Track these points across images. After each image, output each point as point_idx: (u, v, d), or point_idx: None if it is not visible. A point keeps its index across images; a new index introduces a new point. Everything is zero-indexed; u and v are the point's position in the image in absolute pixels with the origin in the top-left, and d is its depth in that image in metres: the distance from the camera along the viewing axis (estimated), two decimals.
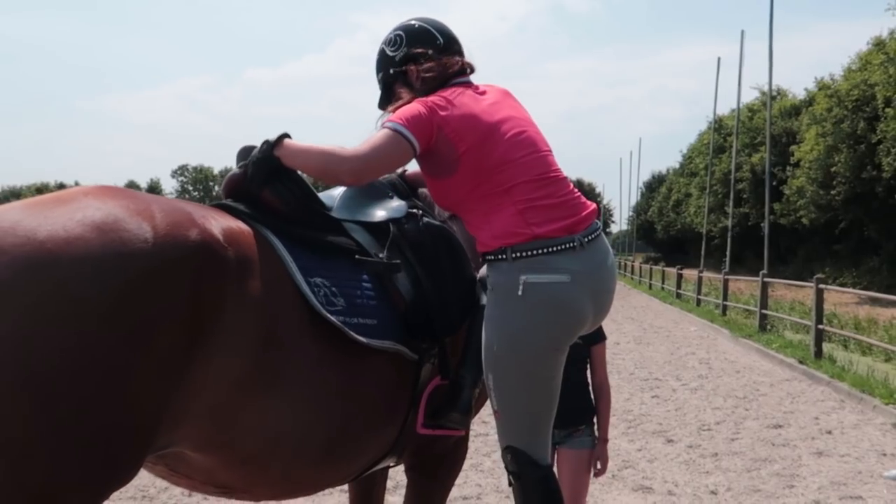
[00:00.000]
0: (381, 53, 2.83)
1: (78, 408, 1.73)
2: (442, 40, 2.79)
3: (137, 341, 1.80)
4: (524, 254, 2.50)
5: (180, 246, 1.93)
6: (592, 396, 3.53)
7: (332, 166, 2.43)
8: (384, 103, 2.84)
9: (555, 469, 3.43)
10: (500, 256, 2.53)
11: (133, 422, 1.82)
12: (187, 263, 1.93)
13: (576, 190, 2.68)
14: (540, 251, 2.50)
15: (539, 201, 2.55)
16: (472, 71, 2.81)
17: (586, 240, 2.56)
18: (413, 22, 2.82)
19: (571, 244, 2.52)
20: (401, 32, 2.79)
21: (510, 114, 2.68)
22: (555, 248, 2.50)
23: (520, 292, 2.49)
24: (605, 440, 3.49)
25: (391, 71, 2.79)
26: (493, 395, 2.58)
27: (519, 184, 2.55)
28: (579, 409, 3.46)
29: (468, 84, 2.75)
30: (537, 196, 2.55)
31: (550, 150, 2.72)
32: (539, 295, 2.49)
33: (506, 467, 2.67)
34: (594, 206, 2.70)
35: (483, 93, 2.72)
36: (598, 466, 3.48)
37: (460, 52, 2.83)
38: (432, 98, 2.59)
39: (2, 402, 1.66)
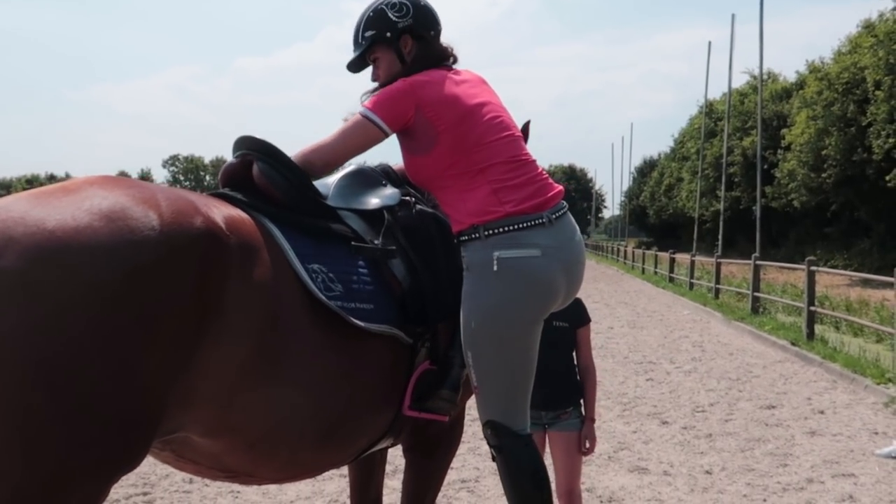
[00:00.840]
0: (381, 13, 2.78)
1: (90, 393, 1.76)
2: (440, 27, 2.87)
3: (147, 327, 1.84)
4: (496, 231, 2.60)
5: (186, 233, 1.96)
6: (578, 378, 3.58)
7: (307, 160, 2.60)
8: (357, 65, 2.87)
9: (547, 451, 3.50)
10: (473, 235, 2.63)
11: (143, 406, 1.86)
12: (193, 250, 1.96)
13: (544, 172, 2.78)
14: (511, 227, 2.60)
15: (511, 181, 2.65)
16: (456, 61, 2.89)
17: (554, 216, 2.66)
18: None
19: (540, 220, 2.62)
20: (408, 2, 2.80)
21: (487, 98, 2.77)
22: (525, 225, 2.60)
23: (494, 268, 2.58)
24: (592, 419, 3.55)
25: (388, 34, 2.78)
26: (472, 371, 2.66)
27: (494, 164, 2.64)
28: (566, 391, 3.51)
29: (449, 68, 2.82)
30: (510, 176, 2.65)
31: (520, 135, 2.82)
32: (512, 270, 2.58)
33: (487, 442, 2.74)
34: (561, 187, 2.80)
35: (461, 77, 2.80)
36: (587, 446, 3.53)
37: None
38: (413, 78, 2.67)
39: (16, 388, 1.70)
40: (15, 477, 1.72)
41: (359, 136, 2.64)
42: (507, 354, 2.62)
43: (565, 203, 2.77)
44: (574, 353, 3.59)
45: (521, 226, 2.60)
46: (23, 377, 1.70)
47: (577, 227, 2.81)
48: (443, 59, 2.83)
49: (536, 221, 2.62)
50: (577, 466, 3.57)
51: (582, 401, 3.56)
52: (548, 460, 3.56)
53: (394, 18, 2.78)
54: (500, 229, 2.59)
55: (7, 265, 1.72)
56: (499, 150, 2.67)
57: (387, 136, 2.66)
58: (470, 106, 2.68)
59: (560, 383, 3.45)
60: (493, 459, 2.74)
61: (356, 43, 2.84)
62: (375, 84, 2.85)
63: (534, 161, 2.77)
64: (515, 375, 2.66)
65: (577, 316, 3.49)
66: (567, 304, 2.83)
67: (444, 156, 2.65)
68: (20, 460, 1.71)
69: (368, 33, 2.80)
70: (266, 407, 2.18)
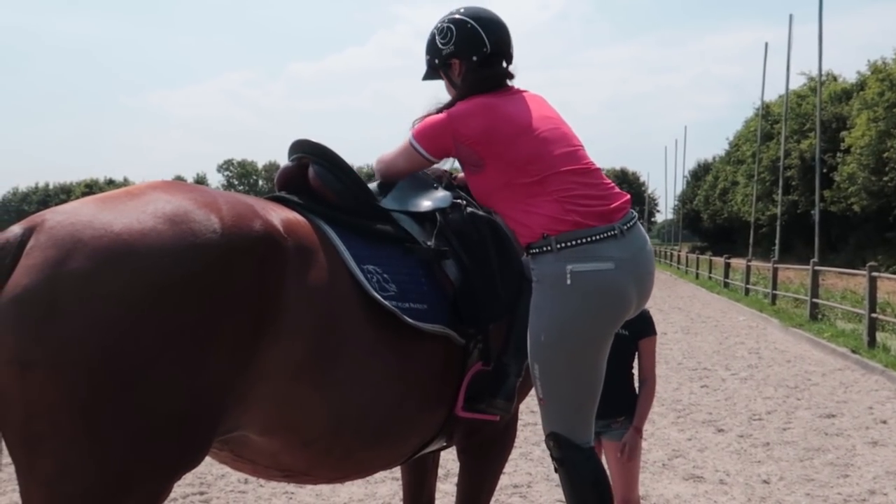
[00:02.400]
0: (432, 40, 2.88)
1: (155, 390, 1.81)
2: (489, 48, 2.80)
3: (210, 326, 1.88)
4: (568, 244, 2.57)
5: (246, 236, 2.01)
6: (637, 387, 3.53)
7: (379, 166, 2.85)
8: (429, 77, 2.99)
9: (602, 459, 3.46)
10: (545, 248, 2.60)
11: (204, 404, 1.90)
12: (252, 252, 2.01)
13: (609, 180, 2.75)
14: (583, 240, 2.57)
15: (576, 190, 2.63)
16: (512, 78, 2.88)
17: (625, 227, 2.64)
18: (466, 20, 2.80)
19: (612, 232, 2.60)
20: (452, 27, 2.81)
21: (544, 113, 2.77)
22: (597, 237, 2.58)
23: (568, 282, 2.55)
24: (638, 430, 3.47)
25: (436, 61, 2.88)
26: (538, 383, 2.64)
27: (553, 174, 2.63)
28: (620, 400, 3.45)
29: (504, 90, 2.82)
30: (573, 185, 2.64)
31: (582, 146, 2.80)
32: (586, 283, 2.56)
33: (550, 454, 2.72)
34: (628, 195, 2.78)
35: (514, 97, 2.79)
36: (625, 451, 3.44)
37: (508, 56, 2.87)
38: (452, 111, 2.70)
39: (84, 388, 1.75)
40: (84, 474, 1.77)
41: (406, 161, 2.79)
42: (576, 368, 2.61)
43: (634, 212, 2.75)
44: (632, 364, 3.54)
45: (593, 238, 2.58)
46: (90, 376, 1.75)
47: (647, 237, 2.78)
48: (496, 79, 2.81)
49: (609, 233, 2.60)
50: (634, 475, 3.51)
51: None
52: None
53: (440, 45, 2.85)
54: (573, 242, 2.57)
55: (76, 266, 1.78)
56: (558, 160, 2.65)
57: (431, 163, 2.77)
58: (520, 125, 2.67)
59: (612, 392, 3.40)
60: (556, 471, 2.72)
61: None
62: (426, 111, 2.86)
63: (598, 169, 2.75)
64: (583, 389, 2.64)
65: (642, 327, 3.43)
66: (636, 314, 2.80)
67: (498, 173, 2.66)
68: (88, 458, 1.76)
69: (427, 58, 2.92)
70: (322, 405, 2.21)
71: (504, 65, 2.86)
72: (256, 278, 2.00)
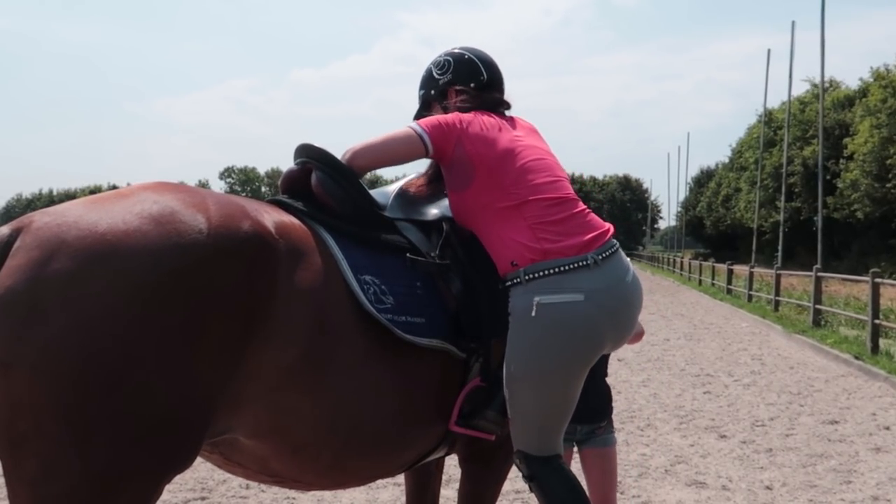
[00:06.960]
0: (428, 73, 2.94)
1: (140, 391, 1.80)
2: (486, 77, 2.88)
3: (194, 327, 1.87)
4: (536, 275, 2.51)
5: (233, 237, 1.99)
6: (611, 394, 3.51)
7: (353, 156, 2.62)
8: (419, 117, 2.94)
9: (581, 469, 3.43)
10: (515, 280, 2.55)
11: (191, 406, 1.89)
12: (240, 253, 1.99)
13: (589, 211, 2.70)
14: (552, 271, 2.50)
15: (549, 217, 2.58)
16: (508, 108, 2.90)
17: (600, 257, 2.56)
18: (464, 52, 2.92)
19: (585, 262, 2.52)
20: (450, 59, 2.91)
21: (533, 143, 2.75)
22: (567, 268, 2.51)
23: (532, 314, 2.49)
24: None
25: (432, 92, 2.92)
26: (507, 404, 2.60)
27: (532, 201, 2.58)
28: (600, 405, 3.42)
29: (501, 115, 2.83)
30: (549, 213, 2.58)
31: (566, 178, 2.78)
32: (552, 316, 2.49)
33: (520, 471, 2.69)
34: (609, 225, 2.71)
35: (512, 123, 2.81)
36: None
37: (501, 91, 2.93)
38: (463, 114, 2.71)
39: (67, 388, 1.74)
40: (68, 475, 1.76)
41: (403, 147, 2.65)
42: (542, 400, 2.56)
43: (615, 242, 2.67)
44: (606, 362, 3.49)
45: (562, 269, 2.51)
46: (73, 377, 1.74)
47: (630, 267, 2.71)
48: (494, 103, 2.85)
49: (580, 264, 2.51)
50: (613, 483, 3.48)
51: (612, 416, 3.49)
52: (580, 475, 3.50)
53: (436, 76, 2.91)
54: (541, 273, 2.51)
55: (59, 267, 1.78)
56: (539, 188, 2.61)
57: (428, 155, 2.68)
58: (511, 147, 2.66)
59: (593, 398, 3.34)
60: (530, 489, 2.71)
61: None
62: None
63: (576, 199, 2.71)
64: (550, 418, 2.60)
65: None
66: (617, 348, 2.75)
67: (482, 192, 2.61)
68: (73, 459, 1.75)
69: (421, 92, 2.96)
70: (312, 411, 2.19)
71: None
72: (245, 279, 1.98)
